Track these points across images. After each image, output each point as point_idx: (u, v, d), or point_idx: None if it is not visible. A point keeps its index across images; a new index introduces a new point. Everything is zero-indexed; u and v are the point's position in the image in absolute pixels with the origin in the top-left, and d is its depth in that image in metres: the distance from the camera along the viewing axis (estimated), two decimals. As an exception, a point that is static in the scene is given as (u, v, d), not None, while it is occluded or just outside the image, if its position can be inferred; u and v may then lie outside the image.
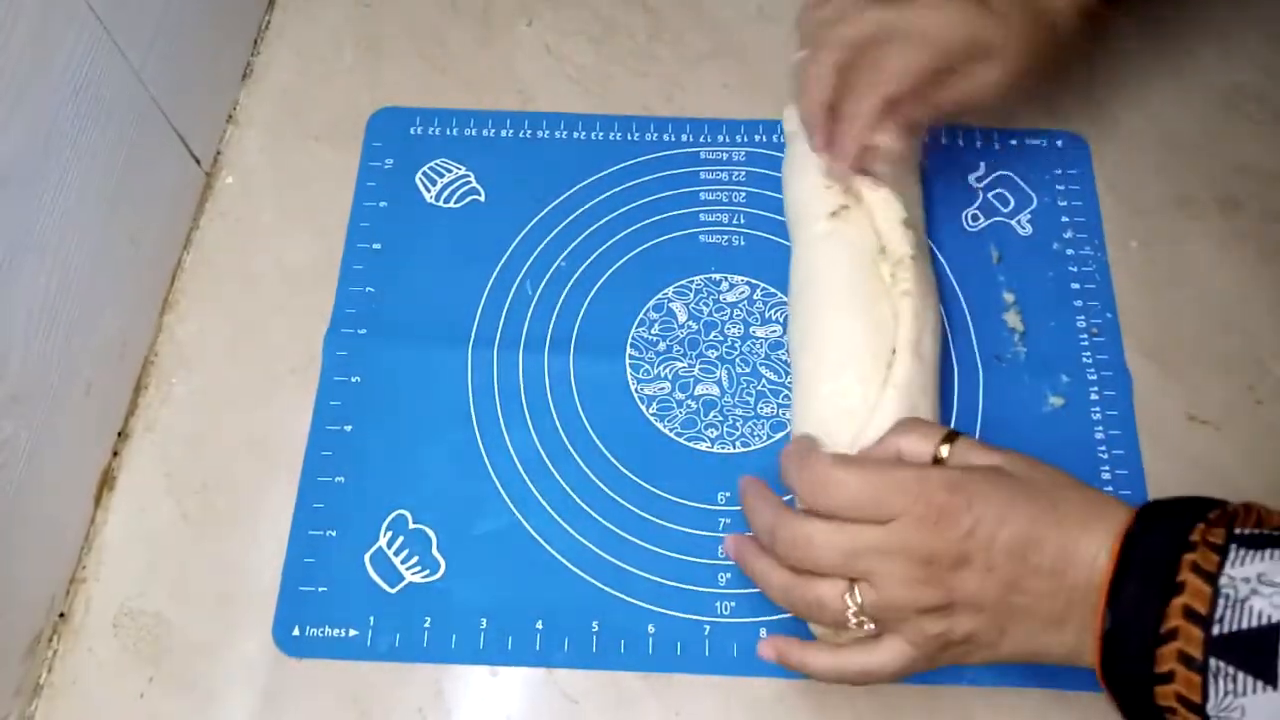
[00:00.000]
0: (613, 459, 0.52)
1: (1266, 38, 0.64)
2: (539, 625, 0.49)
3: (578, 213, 0.59)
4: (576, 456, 0.52)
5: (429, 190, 0.60)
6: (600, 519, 0.51)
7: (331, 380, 0.54)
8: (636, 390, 0.54)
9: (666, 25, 0.65)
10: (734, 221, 0.59)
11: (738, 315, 0.56)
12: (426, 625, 0.49)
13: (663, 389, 0.54)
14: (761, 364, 0.55)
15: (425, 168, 0.60)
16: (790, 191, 0.55)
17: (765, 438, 0.53)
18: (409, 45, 0.65)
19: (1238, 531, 0.35)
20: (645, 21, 0.66)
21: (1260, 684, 0.32)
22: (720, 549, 0.50)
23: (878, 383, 0.46)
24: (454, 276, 0.57)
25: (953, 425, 0.53)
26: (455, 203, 0.59)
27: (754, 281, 0.57)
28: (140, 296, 0.55)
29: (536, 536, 0.51)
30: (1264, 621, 0.33)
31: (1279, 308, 0.56)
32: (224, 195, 0.60)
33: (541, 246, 0.58)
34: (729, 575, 0.50)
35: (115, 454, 0.53)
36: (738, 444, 0.53)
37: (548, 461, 0.52)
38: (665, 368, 0.55)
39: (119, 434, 0.53)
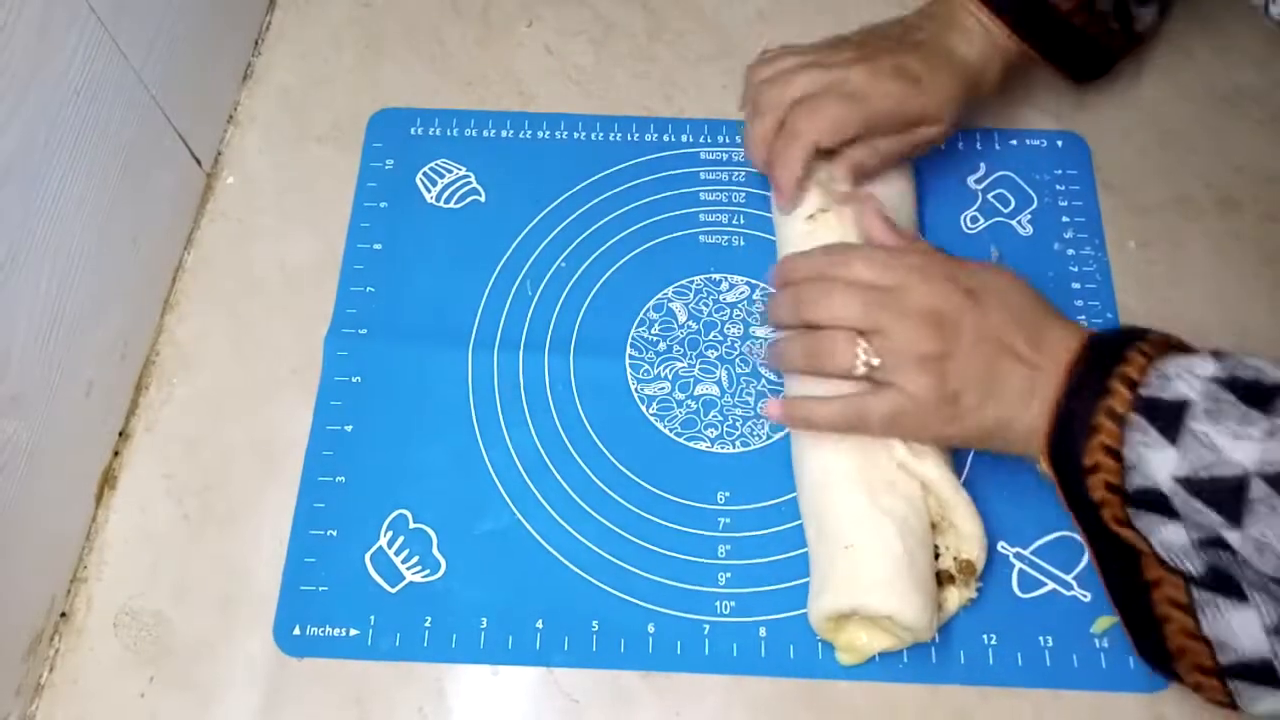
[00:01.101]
0: (613, 459, 0.52)
1: (1266, 38, 0.64)
2: (539, 625, 0.49)
3: (578, 213, 0.59)
4: (577, 456, 0.53)
5: (429, 191, 0.60)
6: (600, 519, 0.51)
7: (332, 380, 0.54)
8: (637, 390, 0.54)
9: (666, 25, 0.65)
10: (734, 222, 0.59)
11: (738, 315, 0.56)
12: (427, 625, 0.49)
13: (663, 389, 0.54)
14: (761, 364, 0.55)
15: (426, 168, 0.60)
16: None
17: (765, 438, 0.53)
18: (409, 45, 0.65)
19: (1177, 343, 0.44)
20: (645, 22, 0.66)
21: (1164, 441, 0.40)
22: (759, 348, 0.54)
23: None
24: (454, 277, 0.57)
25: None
26: (456, 203, 0.60)
27: (754, 281, 0.57)
28: (141, 297, 0.55)
29: (537, 536, 0.51)
30: (1178, 397, 0.40)
31: (1279, 308, 0.56)
32: (224, 195, 0.60)
33: (542, 247, 0.58)
34: (729, 575, 0.50)
35: (116, 454, 0.53)
36: (738, 444, 0.53)
37: (548, 461, 0.52)
38: (665, 368, 0.55)
39: (120, 434, 0.53)
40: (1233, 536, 0.38)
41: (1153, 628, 0.43)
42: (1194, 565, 0.40)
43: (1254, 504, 0.37)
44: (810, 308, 0.47)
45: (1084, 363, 0.43)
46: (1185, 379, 0.40)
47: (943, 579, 0.47)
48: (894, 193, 0.55)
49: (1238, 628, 0.40)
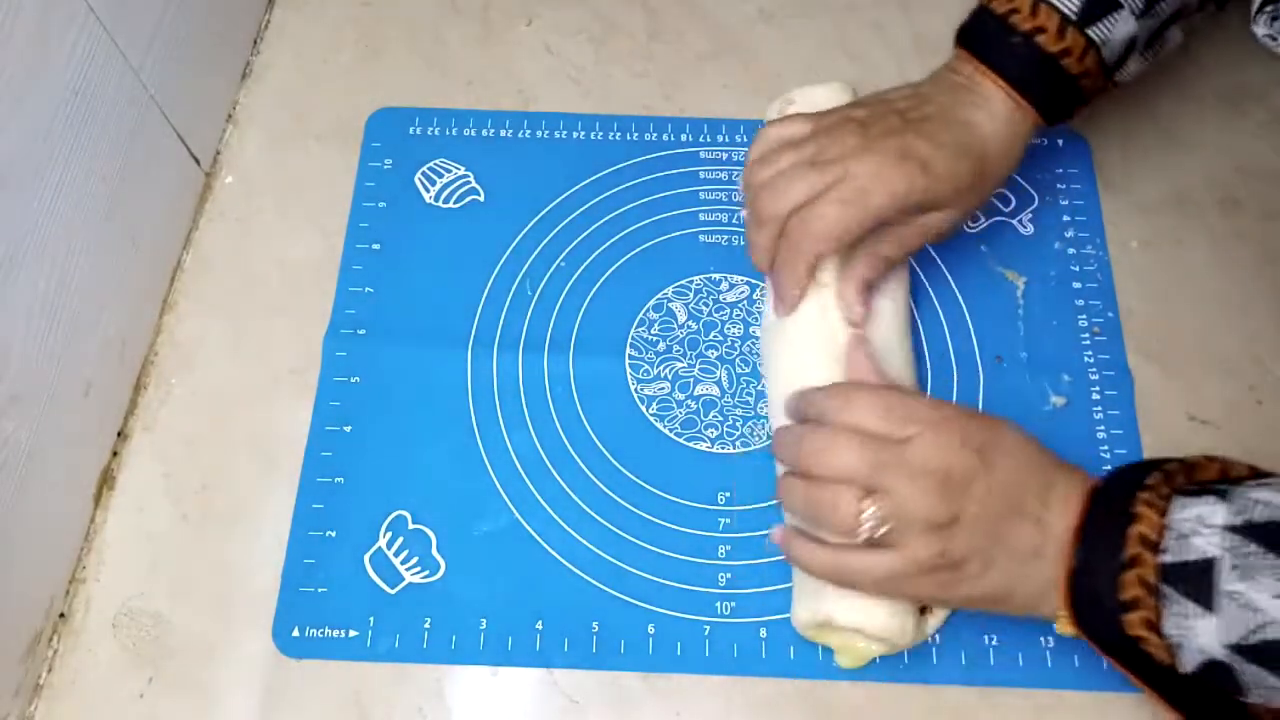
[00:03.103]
0: (612, 459, 0.52)
1: (1267, 37, 0.64)
2: (539, 625, 0.49)
3: (577, 213, 0.59)
4: (576, 457, 0.52)
5: (428, 190, 0.60)
6: (600, 519, 0.51)
7: (331, 381, 0.54)
8: (636, 390, 0.54)
9: (666, 25, 0.65)
10: (733, 221, 0.59)
11: (737, 315, 0.56)
12: (426, 626, 0.49)
13: (662, 389, 0.54)
14: (761, 364, 0.55)
15: (425, 168, 0.60)
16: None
17: (765, 438, 0.53)
18: (409, 45, 0.65)
19: (1180, 484, 0.41)
20: (645, 21, 0.65)
21: (1202, 610, 0.37)
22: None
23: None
24: (453, 277, 0.57)
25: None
26: (454, 203, 0.59)
27: (754, 281, 0.57)
28: (140, 296, 0.55)
29: (536, 537, 0.51)
30: (1200, 556, 0.38)
31: (1279, 308, 0.56)
32: (224, 195, 0.60)
33: (541, 246, 0.58)
34: (729, 575, 0.50)
35: (115, 454, 0.53)
36: (738, 444, 0.53)
37: (547, 462, 0.52)
38: (665, 368, 0.55)
39: (119, 434, 0.53)
40: None
41: None
42: None
43: None
44: (813, 458, 0.44)
45: (1094, 522, 0.41)
46: (1202, 534, 0.38)
47: None
48: (885, 301, 0.51)
49: None
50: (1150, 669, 0.41)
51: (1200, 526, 0.38)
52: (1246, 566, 0.37)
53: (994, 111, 0.49)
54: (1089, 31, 0.47)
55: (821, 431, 0.44)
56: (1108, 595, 0.40)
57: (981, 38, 0.49)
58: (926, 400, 0.45)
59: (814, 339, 0.49)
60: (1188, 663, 0.39)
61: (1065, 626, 0.42)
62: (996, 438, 0.43)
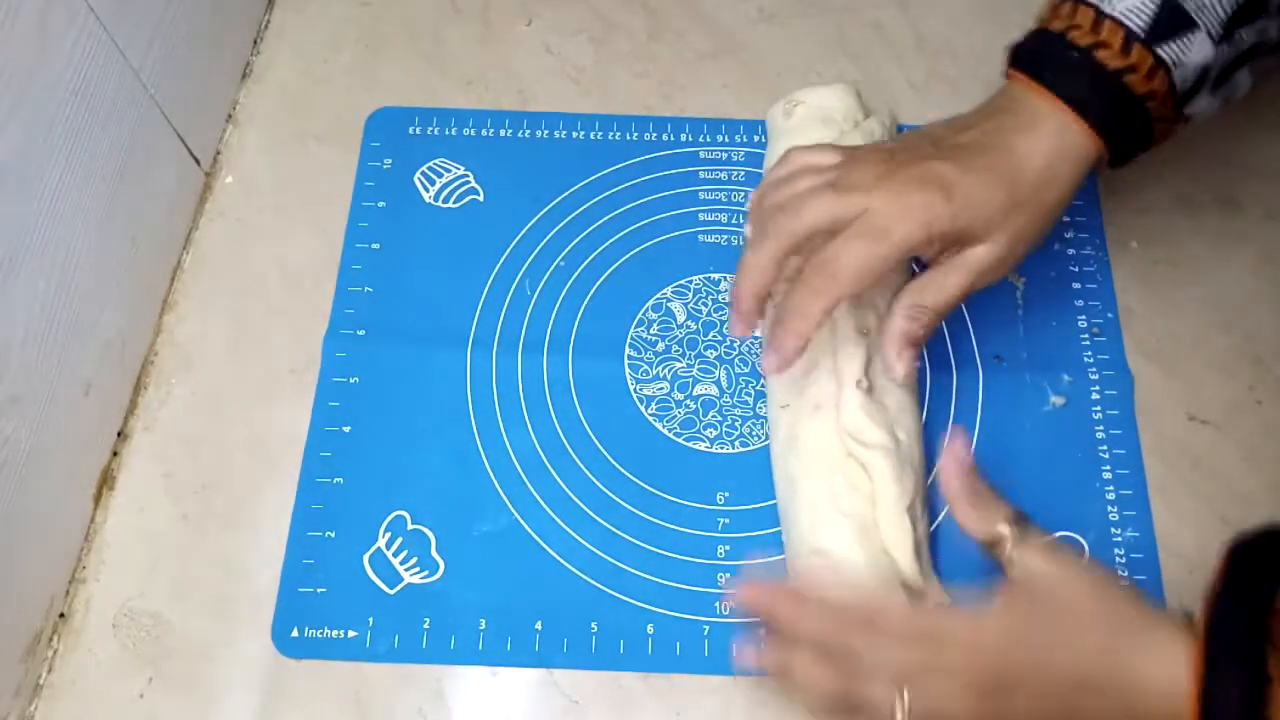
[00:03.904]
0: (612, 459, 0.52)
1: (1267, 37, 0.63)
2: (538, 626, 0.49)
3: (576, 212, 0.59)
4: (575, 457, 0.52)
5: (428, 190, 0.60)
6: (599, 519, 0.51)
7: (330, 381, 0.54)
8: (635, 390, 0.54)
9: (666, 25, 0.65)
10: (733, 221, 0.59)
11: (737, 315, 0.56)
12: (426, 626, 0.49)
13: (662, 389, 0.54)
14: (760, 363, 0.54)
15: (424, 167, 0.60)
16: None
17: (764, 437, 0.53)
18: (408, 45, 0.65)
19: None
20: (645, 21, 0.65)
21: None
22: (726, 599, 0.49)
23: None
24: (453, 277, 0.57)
25: (951, 425, 0.53)
26: (454, 203, 0.59)
27: (754, 281, 0.57)
28: (140, 297, 0.55)
29: (535, 537, 0.51)
30: None
31: (1279, 308, 0.56)
32: (223, 195, 0.60)
33: (540, 246, 0.58)
34: (728, 575, 0.50)
35: (115, 454, 0.53)
36: (737, 444, 0.53)
37: (547, 462, 0.52)
38: (664, 368, 0.55)
39: (119, 434, 0.53)
40: None
41: None
42: None
43: None
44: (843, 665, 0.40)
45: (1216, 696, 0.35)
46: None
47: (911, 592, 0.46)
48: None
49: None
50: None
51: None
52: None
53: (1042, 133, 0.44)
54: (1158, 50, 0.43)
55: (852, 631, 0.40)
56: None
57: (1034, 55, 0.46)
58: (963, 620, 0.40)
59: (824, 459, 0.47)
60: None
61: None
62: (1057, 624, 0.38)
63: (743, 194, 0.59)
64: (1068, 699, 0.38)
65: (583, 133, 0.61)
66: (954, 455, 0.42)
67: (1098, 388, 0.54)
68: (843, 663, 0.40)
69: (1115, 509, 0.51)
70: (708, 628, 0.49)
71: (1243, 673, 0.34)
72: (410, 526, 0.51)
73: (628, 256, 0.58)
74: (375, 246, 0.58)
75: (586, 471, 0.52)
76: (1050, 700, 0.38)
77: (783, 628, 0.42)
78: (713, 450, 0.53)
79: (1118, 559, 0.50)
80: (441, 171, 0.60)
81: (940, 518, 0.50)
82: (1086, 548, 0.50)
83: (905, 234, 0.43)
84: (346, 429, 0.53)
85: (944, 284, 0.45)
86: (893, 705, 0.38)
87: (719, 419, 0.53)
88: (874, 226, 0.43)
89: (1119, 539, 0.50)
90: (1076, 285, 0.57)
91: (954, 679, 0.38)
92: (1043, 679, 0.38)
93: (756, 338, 0.55)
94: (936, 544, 0.49)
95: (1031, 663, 0.38)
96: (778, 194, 0.47)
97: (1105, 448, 0.52)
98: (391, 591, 0.50)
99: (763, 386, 0.54)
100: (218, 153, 0.61)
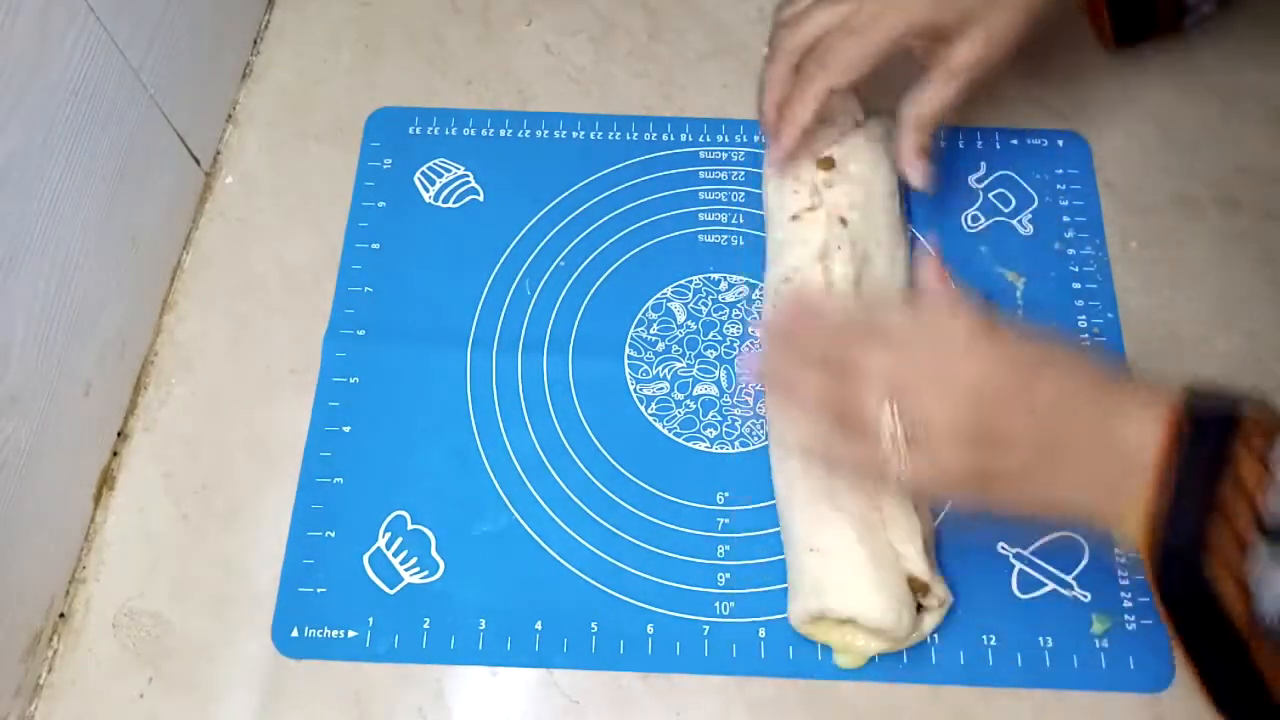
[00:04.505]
0: (612, 459, 0.52)
1: (1266, 37, 0.63)
2: (538, 626, 0.49)
3: (576, 212, 0.59)
4: (575, 457, 0.52)
5: (427, 190, 0.60)
6: (599, 519, 0.51)
7: (330, 381, 0.54)
8: (635, 390, 0.54)
9: (666, 25, 0.65)
10: (733, 221, 0.59)
11: (736, 315, 0.56)
12: (425, 626, 0.49)
13: (662, 389, 0.54)
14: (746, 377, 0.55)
15: (424, 168, 0.60)
16: (765, 193, 0.56)
17: (764, 437, 0.53)
18: (408, 45, 0.65)
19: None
20: (645, 21, 0.65)
21: None
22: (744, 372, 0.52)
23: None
24: (452, 277, 0.57)
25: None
26: (454, 203, 0.59)
27: (753, 281, 0.57)
28: (140, 297, 0.55)
29: (535, 537, 0.51)
30: None
31: (1279, 308, 0.56)
32: (223, 195, 0.60)
33: (540, 246, 0.58)
34: (728, 575, 0.50)
35: (115, 454, 0.53)
36: (737, 444, 0.53)
37: (546, 462, 0.52)
38: (664, 368, 0.55)
39: (119, 434, 0.53)
40: None
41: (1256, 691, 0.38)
42: None
43: None
44: (845, 349, 0.43)
45: (1181, 456, 0.38)
46: None
47: (915, 586, 0.46)
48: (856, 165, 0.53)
49: None
50: (1201, 625, 0.38)
51: None
52: None
53: None
54: None
55: (855, 330, 0.44)
56: (1191, 541, 0.37)
57: None
58: (953, 300, 0.43)
59: None
60: (1269, 611, 0.36)
61: (1130, 548, 0.40)
62: (1045, 355, 0.41)
63: (743, 194, 0.59)
64: (1050, 424, 0.40)
65: (583, 133, 0.61)
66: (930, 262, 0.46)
67: (1098, 388, 0.54)
68: (840, 372, 0.42)
69: (1115, 509, 0.51)
70: (708, 628, 0.49)
71: (1219, 430, 0.38)
72: (410, 526, 0.51)
73: (628, 256, 0.58)
74: (375, 246, 0.58)
75: (586, 471, 0.52)
76: (1035, 416, 0.40)
77: (795, 342, 0.46)
78: (713, 450, 0.53)
79: (1118, 559, 0.50)
80: (441, 171, 0.60)
81: (941, 516, 0.50)
82: (1087, 548, 0.50)
83: (888, 26, 0.49)
84: (346, 429, 0.53)
85: (934, 92, 0.51)
86: (883, 413, 0.41)
87: (719, 419, 0.53)
88: (860, 23, 0.49)
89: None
90: (1076, 285, 0.57)
91: (947, 391, 0.41)
92: (1029, 398, 0.40)
93: (755, 338, 0.55)
94: (939, 543, 0.49)
95: (1020, 383, 0.41)
96: (784, 14, 0.53)
97: (1105, 448, 0.52)
98: (391, 591, 0.50)
99: (762, 387, 0.54)
100: (218, 153, 0.61)
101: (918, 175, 0.52)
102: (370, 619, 0.49)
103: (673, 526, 0.51)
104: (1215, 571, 0.37)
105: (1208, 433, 0.38)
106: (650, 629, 0.49)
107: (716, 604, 0.49)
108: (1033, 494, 0.41)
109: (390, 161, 0.61)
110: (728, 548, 0.50)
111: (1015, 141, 0.61)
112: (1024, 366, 0.41)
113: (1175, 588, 0.39)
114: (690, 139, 0.61)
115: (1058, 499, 0.41)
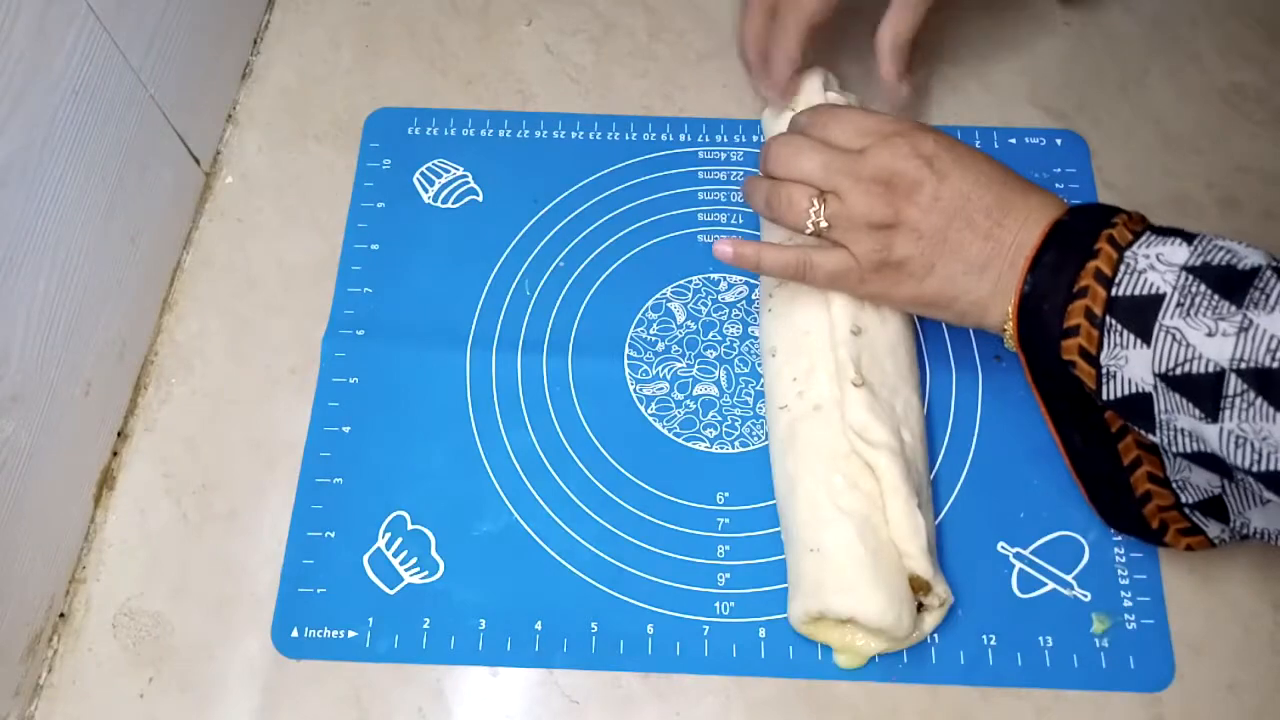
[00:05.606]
0: (611, 459, 0.52)
1: (1266, 38, 0.64)
2: (538, 626, 0.49)
3: (576, 213, 0.59)
4: (575, 457, 0.52)
5: (427, 190, 0.60)
6: (599, 519, 0.51)
7: (330, 381, 0.54)
8: (635, 390, 0.54)
9: (666, 25, 0.65)
10: (732, 221, 0.59)
11: (736, 315, 0.56)
12: (425, 626, 0.49)
13: (661, 389, 0.54)
14: (760, 364, 0.55)
15: (423, 168, 0.60)
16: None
17: (764, 438, 0.53)
18: (408, 45, 0.65)
19: (1150, 224, 0.43)
20: (645, 21, 0.65)
21: (1139, 341, 0.40)
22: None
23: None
24: (452, 277, 0.57)
25: (952, 426, 0.53)
26: (453, 203, 0.59)
27: (752, 281, 0.57)
28: (140, 296, 0.55)
29: (535, 537, 0.51)
30: (1152, 291, 0.40)
31: (1279, 307, 0.56)
32: (223, 195, 0.60)
33: (540, 246, 0.58)
34: (728, 575, 0.50)
35: (115, 454, 0.53)
36: (737, 444, 0.53)
37: (546, 462, 0.52)
38: (664, 368, 0.55)
39: (119, 434, 0.53)
40: (1209, 431, 0.39)
41: (1126, 493, 0.46)
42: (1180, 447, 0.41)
43: (1230, 399, 0.38)
44: (778, 161, 0.49)
45: (1052, 250, 0.43)
46: (1158, 270, 0.40)
47: (917, 585, 0.46)
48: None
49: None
50: (1066, 399, 0.45)
51: (1158, 263, 0.40)
52: (1190, 305, 0.39)
53: None
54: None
55: (793, 140, 0.50)
56: (1052, 322, 0.42)
57: None
58: (900, 118, 0.49)
59: (814, 322, 0.50)
60: (1114, 391, 0.41)
61: (1011, 343, 0.45)
62: (952, 152, 0.46)
63: (742, 194, 0.59)
64: (949, 218, 0.45)
65: (582, 133, 0.61)
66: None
67: (1097, 388, 0.54)
68: (781, 157, 0.49)
69: (1115, 509, 0.51)
70: (708, 628, 0.49)
71: (1090, 230, 0.43)
72: (410, 527, 0.51)
73: (627, 256, 0.58)
74: (375, 247, 0.58)
75: (586, 471, 0.52)
76: (937, 209, 0.45)
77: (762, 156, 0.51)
78: (712, 450, 0.53)
79: (1118, 559, 0.50)
80: (441, 172, 0.60)
81: (941, 516, 0.50)
82: (1087, 548, 0.50)
83: None
84: (346, 429, 0.53)
85: (900, 13, 0.53)
86: (810, 200, 0.47)
87: (719, 419, 0.53)
88: None
89: (1119, 539, 0.50)
90: (1076, 285, 0.57)
91: (865, 182, 0.46)
92: (934, 192, 0.45)
93: (755, 338, 0.55)
94: (939, 543, 0.49)
95: (929, 178, 0.46)
96: None
97: (1105, 448, 0.52)
98: (391, 591, 0.50)
99: (762, 387, 0.54)
100: (218, 153, 0.61)
101: (906, 88, 0.54)
102: (370, 619, 0.49)
103: (673, 526, 0.51)
104: (1071, 356, 0.42)
105: (1078, 233, 0.43)
106: (650, 629, 0.49)
107: (716, 604, 0.49)
108: (929, 284, 0.46)
109: (389, 161, 0.61)
110: (728, 548, 0.50)
111: (1014, 141, 0.61)
112: (936, 157, 0.46)
113: (1044, 367, 0.44)
114: (690, 139, 0.61)
115: (948, 291, 0.46)
